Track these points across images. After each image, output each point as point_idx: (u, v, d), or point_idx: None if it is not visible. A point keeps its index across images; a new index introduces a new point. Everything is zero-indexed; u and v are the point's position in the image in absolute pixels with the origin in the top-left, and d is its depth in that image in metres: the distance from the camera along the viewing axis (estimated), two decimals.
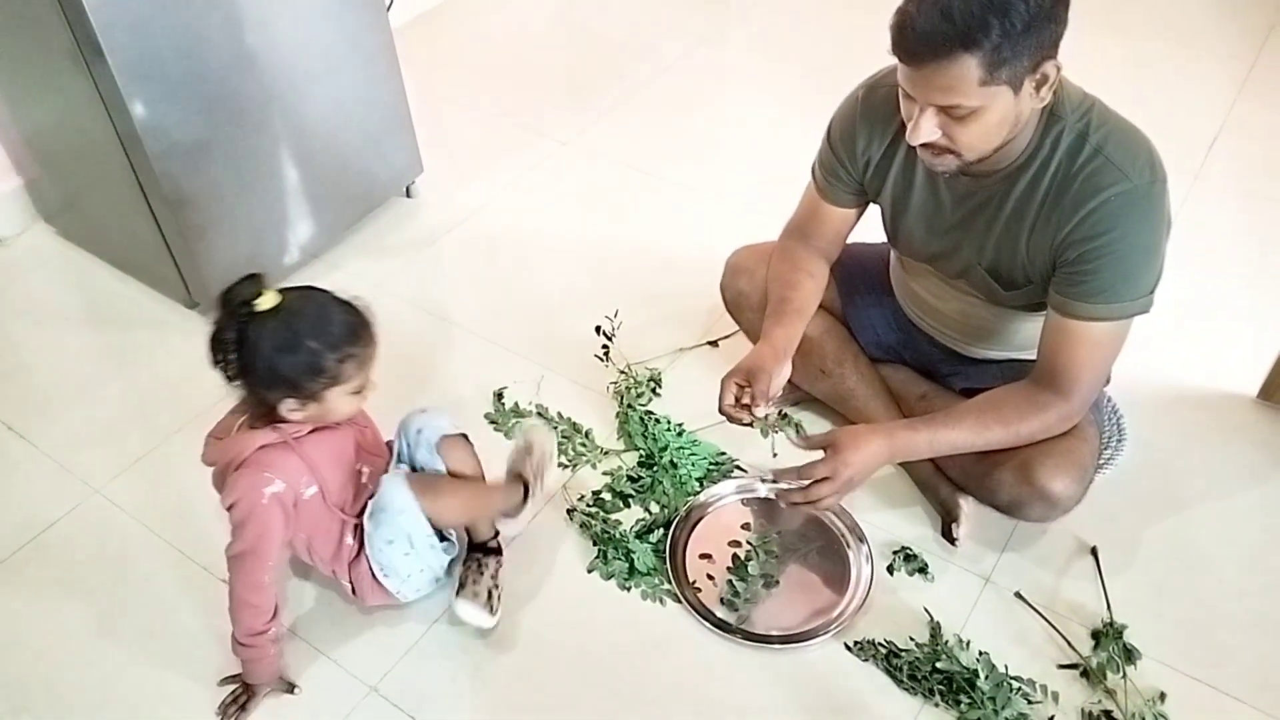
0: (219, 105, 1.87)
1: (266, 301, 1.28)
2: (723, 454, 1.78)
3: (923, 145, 1.29)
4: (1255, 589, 1.58)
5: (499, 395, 1.91)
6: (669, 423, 1.83)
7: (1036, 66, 1.21)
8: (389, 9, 2.13)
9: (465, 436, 1.57)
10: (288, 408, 1.33)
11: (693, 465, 1.75)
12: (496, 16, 3.24)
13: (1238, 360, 1.92)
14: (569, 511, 1.69)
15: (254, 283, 1.29)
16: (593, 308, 2.03)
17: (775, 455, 1.49)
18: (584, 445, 1.81)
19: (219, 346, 1.30)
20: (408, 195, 2.43)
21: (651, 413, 1.85)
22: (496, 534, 1.60)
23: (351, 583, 1.49)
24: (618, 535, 1.64)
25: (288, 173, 2.06)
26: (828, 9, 3.18)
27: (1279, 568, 1.61)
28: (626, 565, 1.60)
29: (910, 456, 1.52)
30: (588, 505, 1.70)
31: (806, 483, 1.42)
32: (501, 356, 2.01)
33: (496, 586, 1.54)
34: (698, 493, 1.71)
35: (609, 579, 1.60)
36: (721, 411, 1.50)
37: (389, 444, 1.57)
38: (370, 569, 1.47)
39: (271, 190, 2.05)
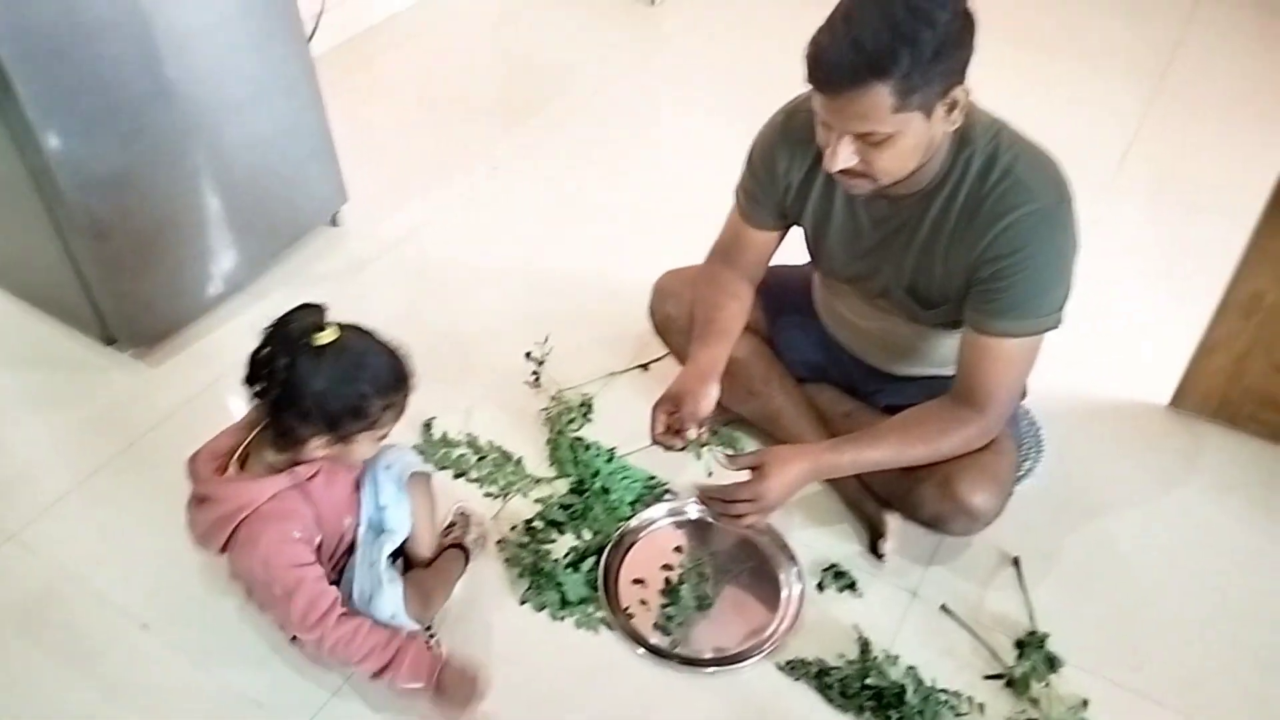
0: (137, 137, 1.83)
1: (327, 336, 1.27)
2: (653, 478, 1.79)
3: (840, 171, 1.32)
4: (1171, 593, 1.63)
5: (427, 425, 1.89)
6: (599, 448, 1.83)
7: (946, 92, 1.24)
8: (311, 38, 2.12)
9: (429, 475, 1.57)
10: (315, 444, 1.31)
11: (624, 490, 1.75)
12: (423, 41, 3.23)
13: (1150, 370, 1.99)
14: (499, 543, 1.68)
15: (314, 313, 1.28)
16: (524, 333, 2.03)
17: (710, 475, 1.50)
18: (514, 474, 1.80)
19: (266, 372, 1.27)
20: (333, 224, 2.40)
21: (582, 439, 1.85)
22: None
23: None
24: (548, 568, 1.63)
25: (209, 204, 2.03)
26: (752, 34, 3.23)
27: (1193, 572, 1.66)
28: (558, 596, 1.59)
29: (835, 475, 1.55)
30: (520, 535, 1.69)
31: (730, 501, 1.47)
32: (431, 384, 1.96)
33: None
34: (630, 517, 1.71)
35: (541, 610, 1.59)
36: (654, 440, 1.52)
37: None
38: None
39: (192, 222, 2.02)
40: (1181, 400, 1.92)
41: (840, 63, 1.20)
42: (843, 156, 1.28)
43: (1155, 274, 2.27)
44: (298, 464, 1.35)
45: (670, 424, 1.51)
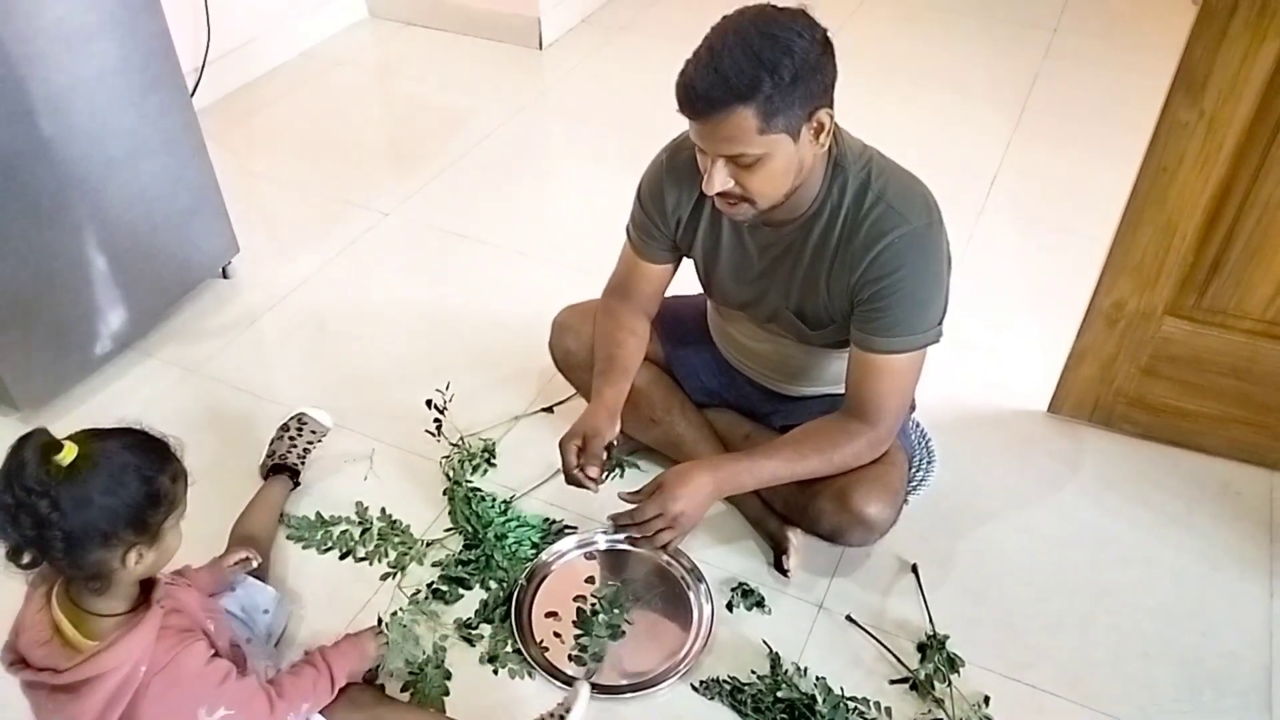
0: (11, 198, 1.78)
1: (70, 452, 1.09)
2: (549, 520, 1.79)
3: (719, 195, 1.37)
4: (1057, 589, 1.71)
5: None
6: (493, 499, 1.82)
7: (811, 115, 1.31)
8: (194, 91, 2.10)
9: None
10: (134, 560, 1.15)
11: (522, 536, 1.75)
12: (309, 91, 3.22)
13: (1027, 378, 2.09)
14: (393, 615, 1.62)
15: (38, 438, 1.09)
16: (424, 377, 2.02)
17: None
18: (403, 543, 1.76)
19: (31, 534, 1.09)
20: (224, 276, 2.37)
21: (478, 489, 1.84)
22: None
23: None
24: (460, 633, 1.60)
25: (92, 261, 1.99)
26: (637, 75, 3.31)
27: (1078, 567, 1.75)
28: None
29: (736, 488, 1.57)
30: (424, 600, 1.66)
31: (643, 522, 1.49)
32: (330, 433, 1.97)
33: None
34: (536, 555, 1.71)
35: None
36: (567, 475, 1.55)
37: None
38: None
39: (74, 281, 1.97)
40: (1058, 405, 2.03)
41: (706, 89, 1.26)
42: (718, 180, 1.35)
43: (1027, 287, 2.39)
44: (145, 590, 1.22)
45: (581, 462, 1.54)
